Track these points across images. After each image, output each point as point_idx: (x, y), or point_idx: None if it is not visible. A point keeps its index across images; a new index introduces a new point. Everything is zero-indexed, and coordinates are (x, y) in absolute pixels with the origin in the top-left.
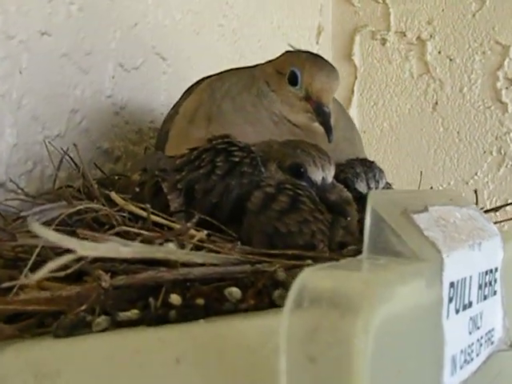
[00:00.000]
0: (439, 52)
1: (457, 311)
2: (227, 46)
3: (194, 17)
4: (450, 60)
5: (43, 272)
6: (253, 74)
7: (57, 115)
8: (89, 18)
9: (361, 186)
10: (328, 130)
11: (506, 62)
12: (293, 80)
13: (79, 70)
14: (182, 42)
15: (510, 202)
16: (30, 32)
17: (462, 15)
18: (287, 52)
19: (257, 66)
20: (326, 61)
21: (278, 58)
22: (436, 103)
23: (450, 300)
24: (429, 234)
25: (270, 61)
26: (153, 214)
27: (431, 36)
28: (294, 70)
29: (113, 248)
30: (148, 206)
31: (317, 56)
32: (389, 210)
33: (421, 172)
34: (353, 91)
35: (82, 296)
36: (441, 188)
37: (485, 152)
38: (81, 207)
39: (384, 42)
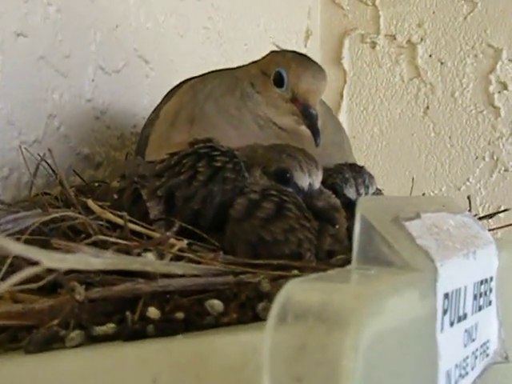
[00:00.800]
0: (430, 55)
1: (451, 323)
2: (213, 49)
3: (178, 19)
4: (442, 63)
5: (6, 285)
6: (237, 75)
7: (34, 120)
8: (67, 19)
9: (350, 192)
10: (315, 132)
11: (498, 66)
12: (278, 81)
13: (57, 73)
14: (165, 44)
15: (503, 208)
16: (5, 33)
17: (454, 18)
18: (272, 52)
19: (241, 67)
20: (313, 61)
21: (262, 58)
22: (427, 107)
23: (445, 312)
24: (422, 242)
25: (254, 61)
26: (131, 222)
27: (422, 39)
28: (280, 70)
29: (82, 259)
30: (125, 214)
31: (303, 56)
32: (379, 217)
33: (412, 178)
34: (342, 96)
35: (54, 309)
36: (432, 194)
37: (477, 157)
38: (56, 215)
39: (374, 45)
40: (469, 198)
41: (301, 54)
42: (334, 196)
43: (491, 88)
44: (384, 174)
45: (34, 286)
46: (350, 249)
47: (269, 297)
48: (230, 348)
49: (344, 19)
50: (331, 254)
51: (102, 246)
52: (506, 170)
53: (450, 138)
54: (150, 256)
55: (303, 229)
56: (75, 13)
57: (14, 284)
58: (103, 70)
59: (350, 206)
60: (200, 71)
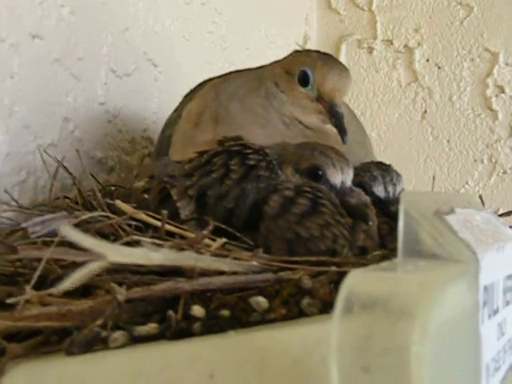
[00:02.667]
0: (427, 60)
1: (489, 316)
2: (217, 53)
3: (184, 23)
4: (439, 68)
5: (70, 282)
6: (260, 75)
7: (49, 124)
8: (80, 21)
9: (378, 190)
10: (342, 131)
11: (495, 69)
12: (303, 80)
13: (71, 75)
14: (172, 48)
15: (501, 211)
16: (21, 35)
17: (450, 22)
18: (296, 52)
19: (262, 67)
20: (338, 60)
21: (285, 58)
22: (425, 112)
23: (484, 305)
24: (462, 235)
25: (276, 61)
26: (166, 222)
27: (419, 44)
28: (305, 69)
29: (144, 254)
30: (165, 212)
31: (328, 55)
32: (421, 210)
33: (433, 176)
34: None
35: (95, 310)
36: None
37: (475, 160)
38: (84, 217)
39: (371, 50)
40: (481, 197)
41: (325, 53)
42: (364, 193)
43: (488, 92)
44: None
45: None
46: (381, 245)
47: (311, 293)
48: (292, 341)
49: (341, 24)
50: (364, 250)
51: (136, 246)
52: (504, 173)
53: (448, 141)
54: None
55: (338, 224)
56: (87, 15)
57: (81, 278)
58: (115, 73)
59: (378, 204)
60: (206, 75)
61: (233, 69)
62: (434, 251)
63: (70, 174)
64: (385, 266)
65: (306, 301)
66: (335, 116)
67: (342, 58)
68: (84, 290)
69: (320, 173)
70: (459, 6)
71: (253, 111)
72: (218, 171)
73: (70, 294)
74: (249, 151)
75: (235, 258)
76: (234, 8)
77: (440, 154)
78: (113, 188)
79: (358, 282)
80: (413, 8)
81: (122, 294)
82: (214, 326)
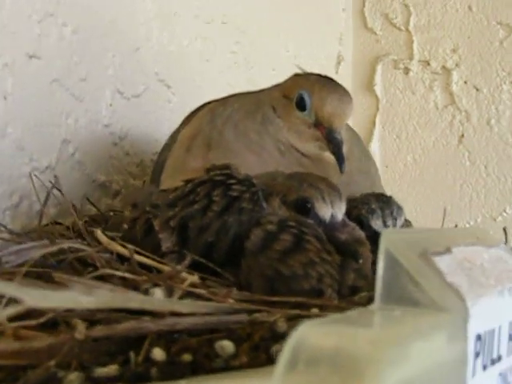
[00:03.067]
0: (465, 82)
1: (484, 367)
2: (240, 75)
3: (203, 43)
4: (477, 90)
5: None
6: (258, 98)
7: (46, 146)
8: (84, 41)
9: (376, 224)
10: (340, 159)
11: None
12: (301, 104)
13: (72, 96)
14: (189, 68)
15: None
16: (16, 54)
17: (489, 42)
18: (295, 75)
19: (263, 90)
20: (338, 83)
21: (285, 81)
22: (462, 136)
23: (477, 355)
24: (452, 279)
25: (276, 85)
26: (140, 254)
27: (456, 65)
28: (302, 93)
29: (69, 298)
30: (131, 247)
31: (327, 78)
32: (405, 251)
33: (444, 209)
34: (374, 123)
35: (53, 348)
36: (467, 225)
37: None
38: (62, 246)
39: (407, 71)
40: (504, 229)
41: (325, 77)
42: (358, 228)
43: None
44: (417, 204)
45: (33, 323)
46: (375, 285)
47: (284, 338)
48: None
49: (376, 44)
50: (355, 290)
51: (109, 279)
52: None
53: (485, 167)
54: (158, 292)
55: (324, 263)
56: (93, 34)
57: None
58: (122, 95)
59: (376, 239)
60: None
61: None
62: (415, 298)
63: (65, 197)
64: (346, 316)
65: (276, 347)
66: (333, 143)
67: (378, 79)
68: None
69: (308, 206)
70: (499, 26)
71: (247, 137)
72: (200, 202)
73: (43, 328)
74: (232, 181)
75: (208, 298)
76: (259, 27)
77: (477, 180)
78: (111, 213)
79: (306, 335)
80: (451, 28)
81: (81, 332)
82: (172, 372)
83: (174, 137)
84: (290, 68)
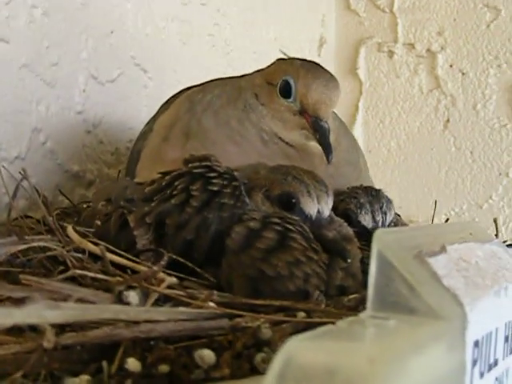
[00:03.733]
0: (451, 65)
1: (481, 375)
2: (218, 58)
3: (181, 25)
4: (463, 74)
5: None
6: (239, 85)
7: (16, 135)
8: (55, 23)
9: (365, 219)
10: (327, 148)
11: None
12: (285, 91)
13: (43, 82)
14: (166, 52)
15: None
16: None
17: (476, 26)
18: (279, 60)
19: (244, 76)
20: (324, 68)
21: (268, 66)
22: (447, 121)
23: (474, 363)
24: (448, 282)
25: (258, 70)
26: (114, 253)
27: (442, 48)
28: (287, 78)
29: (33, 313)
30: (102, 245)
31: (313, 63)
32: (399, 253)
33: (435, 202)
34: (357, 108)
35: (20, 358)
36: (452, 213)
37: (500, 174)
38: (33, 244)
39: (391, 54)
40: (495, 220)
41: (310, 62)
42: (346, 224)
43: None
44: (402, 190)
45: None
46: (364, 284)
47: (269, 345)
48: None
49: (360, 27)
50: (343, 289)
51: (80, 281)
52: None
53: (471, 152)
54: (132, 295)
55: (310, 262)
56: (64, 17)
57: None
58: (96, 80)
59: (364, 236)
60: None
61: (237, 74)
62: (411, 304)
63: (36, 189)
64: (340, 329)
65: (260, 356)
66: (320, 132)
67: (361, 62)
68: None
69: (293, 201)
70: (486, 9)
71: (228, 125)
72: (178, 197)
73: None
74: (213, 174)
75: (187, 302)
76: (239, 9)
77: (463, 166)
78: (85, 206)
79: (296, 351)
80: (436, 10)
81: (49, 340)
82: None
83: (150, 125)
84: (271, 51)
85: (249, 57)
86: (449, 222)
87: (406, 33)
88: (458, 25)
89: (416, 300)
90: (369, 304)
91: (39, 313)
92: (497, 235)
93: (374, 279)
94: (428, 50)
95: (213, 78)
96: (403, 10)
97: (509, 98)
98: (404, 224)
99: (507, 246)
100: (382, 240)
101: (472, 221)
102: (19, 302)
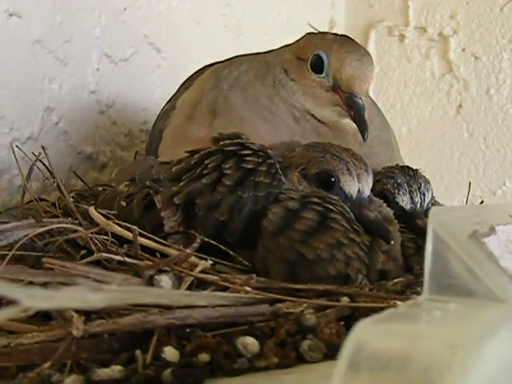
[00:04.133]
0: (463, 49)
1: None
2: (230, 39)
3: (193, 4)
4: (476, 58)
5: None
6: (267, 60)
7: (28, 114)
8: None
9: (403, 200)
10: (362, 125)
11: None
12: (317, 66)
13: (56, 60)
14: (179, 31)
15: None
16: None
17: (489, 9)
18: (309, 34)
19: (271, 51)
20: (357, 42)
21: (297, 41)
22: (460, 106)
23: None
24: (504, 264)
25: (287, 45)
26: (142, 235)
27: (454, 32)
28: (319, 53)
29: (77, 296)
30: (135, 227)
31: (346, 37)
32: (455, 233)
33: (469, 183)
34: (367, 93)
35: (46, 347)
36: (464, 199)
37: None
38: (52, 227)
39: (402, 38)
40: None
41: (343, 36)
42: (385, 205)
43: None
44: None
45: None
46: (405, 268)
47: (314, 332)
48: None
49: (370, 10)
50: (384, 274)
51: (107, 265)
52: None
53: (484, 138)
54: (165, 279)
55: (352, 244)
56: None
57: None
58: (109, 58)
59: (403, 217)
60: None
61: None
62: (469, 286)
63: (50, 171)
64: (404, 312)
65: (307, 343)
66: (354, 108)
67: (371, 47)
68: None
69: (332, 180)
70: None
71: (257, 102)
72: (209, 176)
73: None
74: (247, 152)
75: (224, 286)
76: None
77: (475, 152)
78: (100, 189)
79: (367, 335)
80: None
81: (78, 328)
82: (187, 375)
83: (172, 103)
84: (282, 33)
85: (261, 39)
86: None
87: (418, 16)
88: (470, 8)
89: (475, 282)
90: (425, 287)
91: (82, 296)
92: None
93: (430, 261)
94: (440, 34)
95: (225, 57)
96: None
97: None
98: (442, 205)
99: None
100: (437, 218)
101: (509, 203)
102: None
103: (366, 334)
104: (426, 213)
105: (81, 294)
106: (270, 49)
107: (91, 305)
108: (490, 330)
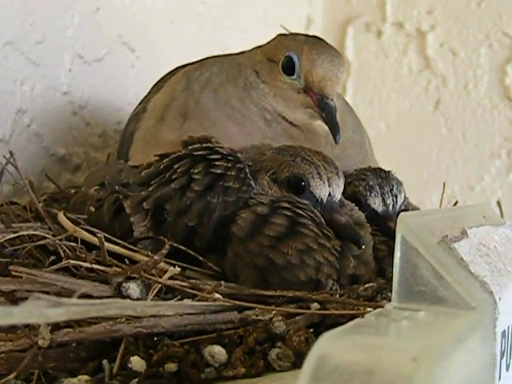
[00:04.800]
0: (441, 45)
1: (507, 367)
2: (206, 37)
3: (168, 2)
4: (453, 53)
5: None
6: (238, 61)
7: None
8: None
9: (375, 203)
10: (334, 127)
11: None
12: (288, 68)
13: (28, 61)
14: (153, 30)
15: None
16: None
17: (466, 4)
18: (280, 35)
19: (243, 52)
20: (328, 43)
21: (268, 42)
22: (438, 101)
23: (502, 355)
24: (475, 269)
25: (259, 46)
26: (110, 241)
27: (432, 27)
28: (290, 54)
29: (35, 311)
30: (101, 234)
31: (317, 38)
32: (424, 238)
33: (444, 184)
34: (346, 89)
35: (11, 358)
36: (444, 195)
37: (492, 155)
38: (21, 233)
39: (380, 34)
40: (499, 203)
41: (314, 37)
42: (357, 209)
43: (507, 80)
44: None
45: None
46: (377, 272)
47: (283, 340)
48: None
49: (347, 6)
50: (355, 278)
51: (75, 272)
52: None
53: (462, 134)
54: (133, 287)
55: (322, 249)
56: None
57: None
58: (82, 59)
59: (375, 220)
60: (192, 60)
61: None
62: (438, 294)
63: (21, 174)
64: (370, 323)
65: (275, 351)
66: (326, 110)
67: (349, 43)
68: None
69: (303, 184)
70: None
71: (228, 104)
72: (178, 180)
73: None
74: (216, 156)
75: (192, 293)
76: None
77: (454, 148)
78: (73, 191)
79: (331, 348)
80: None
81: (44, 338)
82: None
83: (143, 105)
84: (259, 30)
85: (237, 36)
86: (457, 204)
87: (395, 12)
88: (447, 3)
89: (445, 289)
90: (394, 294)
91: (41, 311)
92: (502, 217)
93: (398, 267)
94: (417, 30)
95: (201, 56)
96: None
97: (500, 78)
98: (414, 207)
99: None
100: (405, 224)
101: (483, 203)
102: (9, 295)
103: (329, 346)
104: (398, 215)
105: (39, 309)
106: (246, 47)
107: (50, 320)
108: (458, 340)
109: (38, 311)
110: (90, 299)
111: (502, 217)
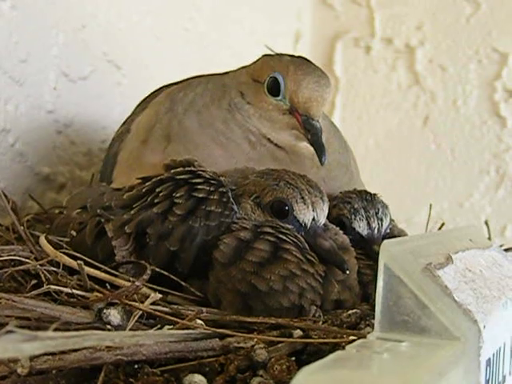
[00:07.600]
0: (430, 61)
1: None
2: (194, 53)
3: (155, 19)
4: (442, 69)
5: None
6: (223, 82)
7: None
8: (24, 18)
9: (360, 226)
10: (319, 149)
11: (504, 72)
12: (273, 89)
13: (11, 80)
14: (139, 48)
15: (510, 227)
16: None
17: (455, 20)
18: (265, 56)
19: (228, 73)
20: (314, 64)
21: (254, 63)
22: (427, 117)
23: (487, 383)
24: (460, 296)
25: (244, 67)
26: (91, 266)
27: (421, 43)
28: (275, 75)
29: (9, 348)
30: (80, 261)
31: (302, 59)
32: (408, 266)
33: (430, 205)
34: (334, 105)
35: None
36: (433, 212)
37: (481, 171)
38: (2, 258)
39: (368, 49)
40: (487, 223)
41: (299, 57)
42: (341, 232)
43: (496, 96)
44: (380, 189)
45: None
46: (362, 297)
47: (265, 368)
48: None
49: (336, 21)
50: (339, 304)
51: (56, 297)
52: None
53: (451, 150)
54: (113, 313)
55: (306, 275)
56: (34, 11)
57: None
58: (67, 77)
59: (360, 243)
60: (179, 78)
61: (212, 70)
62: (422, 323)
63: (5, 194)
64: (351, 355)
65: (257, 380)
66: (311, 131)
67: (338, 58)
68: None
69: (286, 208)
70: (465, 2)
71: (212, 127)
72: (160, 204)
73: None
74: (198, 180)
75: (172, 320)
76: (214, 3)
77: (443, 164)
78: (57, 211)
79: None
80: (415, 4)
81: (23, 366)
82: None
83: (127, 126)
84: (246, 46)
85: (224, 52)
86: (444, 227)
87: (384, 27)
88: (437, 19)
89: (428, 319)
90: (376, 324)
91: (16, 346)
92: (489, 238)
93: (381, 297)
94: (406, 45)
95: (188, 73)
96: (380, 3)
97: (490, 94)
98: (400, 230)
99: (504, 250)
100: (388, 252)
101: (470, 225)
102: None
103: (308, 382)
104: (383, 238)
105: (14, 344)
106: (234, 63)
107: (26, 354)
108: (440, 373)
109: (13, 346)
110: (68, 327)
111: (489, 237)
